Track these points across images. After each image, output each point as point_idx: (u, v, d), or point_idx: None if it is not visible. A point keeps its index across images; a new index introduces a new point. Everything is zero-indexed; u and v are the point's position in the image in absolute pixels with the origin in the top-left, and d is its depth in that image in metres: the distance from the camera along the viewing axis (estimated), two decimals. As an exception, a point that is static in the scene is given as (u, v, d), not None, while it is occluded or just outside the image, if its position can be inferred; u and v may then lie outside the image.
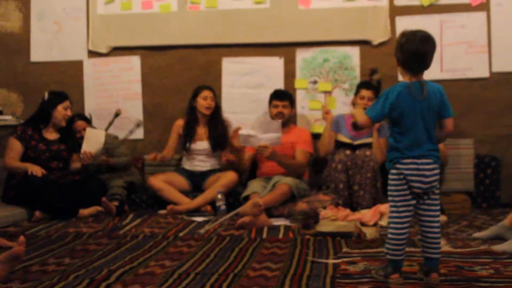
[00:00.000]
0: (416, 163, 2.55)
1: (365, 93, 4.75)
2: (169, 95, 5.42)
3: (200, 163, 5.05)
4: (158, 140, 5.43)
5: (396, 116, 2.58)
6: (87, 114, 5.28)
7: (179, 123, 5.13)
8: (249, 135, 4.49)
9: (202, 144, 5.02)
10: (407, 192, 2.57)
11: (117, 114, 5.19)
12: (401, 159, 2.57)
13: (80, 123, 5.06)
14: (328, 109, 4.97)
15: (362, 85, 4.84)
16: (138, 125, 5.13)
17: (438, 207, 2.62)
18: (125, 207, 4.76)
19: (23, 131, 4.64)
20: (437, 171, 2.59)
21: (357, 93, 4.84)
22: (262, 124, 4.57)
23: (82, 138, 4.88)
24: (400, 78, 4.97)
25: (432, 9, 5.12)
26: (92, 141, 4.65)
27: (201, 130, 5.06)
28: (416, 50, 2.57)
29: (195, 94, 5.04)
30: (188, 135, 5.04)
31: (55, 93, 4.79)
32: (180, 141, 5.12)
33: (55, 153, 4.69)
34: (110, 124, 5.14)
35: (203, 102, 5.00)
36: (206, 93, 5.02)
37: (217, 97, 5.12)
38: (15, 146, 4.61)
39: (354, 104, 4.89)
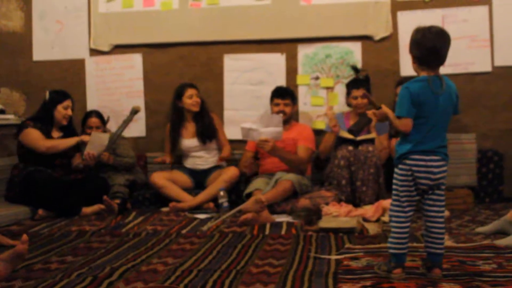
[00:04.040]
0: (425, 160, 2.54)
1: (356, 92, 4.77)
2: (171, 93, 5.38)
3: (199, 160, 5.06)
4: (160, 137, 5.43)
5: (416, 107, 2.56)
6: (105, 116, 5.15)
7: (169, 127, 5.17)
8: (250, 128, 4.49)
9: (192, 142, 5.04)
10: (413, 188, 2.58)
11: (135, 111, 4.99)
12: (410, 155, 2.56)
13: (93, 120, 5.03)
14: (335, 120, 4.77)
15: (351, 86, 4.85)
16: (135, 112, 5.01)
17: (443, 203, 2.62)
18: (127, 205, 4.78)
19: (35, 124, 4.64)
20: (444, 168, 2.59)
21: (348, 94, 4.86)
22: (264, 118, 4.56)
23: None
24: (402, 73, 5.02)
25: (433, 4, 5.10)
26: (96, 144, 4.66)
27: (190, 128, 5.08)
28: (433, 46, 2.57)
29: (180, 94, 5.05)
30: (176, 136, 5.07)
31: (56, 93, 4.80)
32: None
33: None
34: (127, 122, 4.93)
35: (190, 100, 5.02)
36: (190, 91, 5.03)
37: (200, 92, 5.12)
38: (37, 133, 4.59)
39: (349, 104, 4.91)
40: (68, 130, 4.83)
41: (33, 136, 4.58)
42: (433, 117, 2.56)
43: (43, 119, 4.71)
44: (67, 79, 5.54)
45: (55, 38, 5.59)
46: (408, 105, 2.55)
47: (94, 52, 5.55)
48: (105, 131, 5.13)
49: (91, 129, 5.00)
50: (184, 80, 5.31)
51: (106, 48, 5.53)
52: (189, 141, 5.05)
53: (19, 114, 5.51)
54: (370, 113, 4.52)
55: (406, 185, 2.58)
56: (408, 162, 2.57)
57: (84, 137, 4.66)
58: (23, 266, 2.89)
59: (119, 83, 5.54)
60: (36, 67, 5.61)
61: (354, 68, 4.98)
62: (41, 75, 5.59)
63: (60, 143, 4.63)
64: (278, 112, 4.84)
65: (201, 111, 5.07)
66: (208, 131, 5.03)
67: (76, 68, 5.57)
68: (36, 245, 3.42)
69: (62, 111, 4.72)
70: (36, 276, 2.71)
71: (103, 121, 5.12)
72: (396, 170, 2.63)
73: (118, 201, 4.61)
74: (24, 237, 2.73)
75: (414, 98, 2.54)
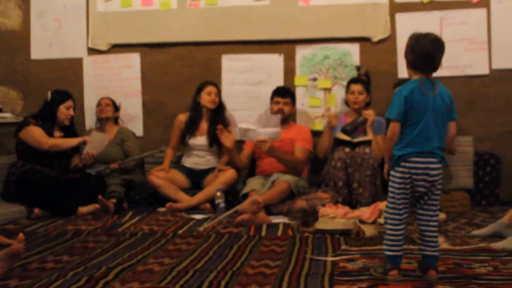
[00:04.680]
0: (422, 162, 2.56)
1: (354, 87, 4.84)
2: (169, 92, 5.42)
3: (200, 159, 5.05)
4: (157, 137, 5.43)
5: (406, 108, 2.59)
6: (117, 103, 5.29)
7: (181, 118, 5.14)
8: (248, 129, 4.49)
9: (201, 140, 5.03)
10: (409, 191, 2.59)
11: (160, 151, 5.04)
12: (408, 157, 2.57)
13: (105, 100, 5.18)
14: (335, 113, 4.89)
15: (350, 81, 4.93)
16: (160, 151, 5.05)
17: (438, 207, 2.63)
18: (124, 204, 4.77)
19: (36, 122, 4.63)
20: (440, 170, 2.60)
21: (347, 90, 4.91)
22: (261, 119, 4.56)
23: (101, 111, 5.09)
24: (400, 75, 5.02)
25: (432, 6, 5.11)
26: (96, 144, 4.66)
27: (203, 126, 5.07)
28: (427, 52, 2.60)
29: (200, 89, 5.05)
30: (190, 130, 5.05)
31: (58, 93, 4.79)
32: (181, 136, 5.13)
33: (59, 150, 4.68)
34: (147, 156, 5.05)
35: (207, 97, 5.01)
36: (210, 88, 5.03)
37: (221, 93, 5.12)
38: (40, 130, 4.59)
39: (346, 102, 4.93)
40: (69, 131, 4.83)
41: (36, 134, 4.57)
42: (426, 118, 2.58)
43: (45, 118, 4.70)
44: (65, 78, 5.52)
45: (53, 36, 5.57)
46: (398, 108, 2.60)
47: (92, 51, 5.54)
48: (116, 117, 5.23)
49: (100, 106, 5.13)
50: (182, 80, 5.31)
51: (104, 47, 5.52)
52: (199, 139, 5.04)
53: (16, 112, 5.50)
54: (366, 113, 4.53)
55: (403, 188, 2.59)
56: (406, 164, 2.58)
57: (87, 138, 4.66)
58: (19, 265, 2.89)
59: (116, 82, 5.53)
60: (34, 66, 5.60)
61: (357, 67, 5.02)
62: (39, 73, 5.58)
63: (63, 142, 4.63)
64: (277, 111, 4.84)
65: (218, 112, 5.06)
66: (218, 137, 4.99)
67: (74, 67, 5.56)
68: (32, 244, 3.41)
69: (65, 111, 4.72)
70: (32, 275, 2.71)
71: (115, 106, 5.22)
72: (392, 173, 2.64)
73: (114, 200, 4.61)
74: (20, 236, 2.73)
75: (405, 101, 2.57)
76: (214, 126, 4.96)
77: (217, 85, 5.10)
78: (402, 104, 2.58)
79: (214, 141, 4.98)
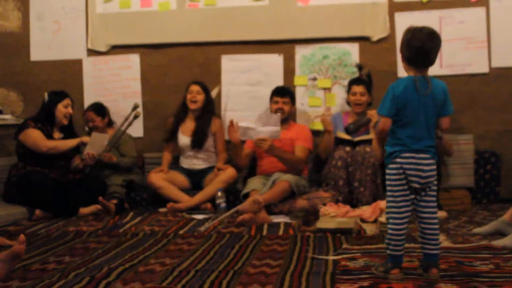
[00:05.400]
0: (415, 158, 2.56)
1: (356, 88, 4.81)
2: (168, 93, 5.42)
3: (195, 160, 5.05)
4: (158, 138, 5.42)
5: (399, 108, 2.59)
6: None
7: (171, 120, 5.16)
8: (248, 127, 4.50)
9: (184, 139, 5.04)
10: (406, 187, 2.58)
11: (135, 107, 4.93)
12: (401, 153, 2.57)
13: (88, 113, 5.14)
14: (326, 115, 4.89)
15: (352, 82, 4.91)
16: (135, 108, 4.95)
17: (436, 203, 2.63)
18: (125, 205, 4.77)
19: (36, 124, 4.64)
20: (433, 166, 2.60)
21: (349, 90, 4.89)
22: (262, 117, 4.57)
23: (90, 129, 5.06)
24: (400, 74, 5.02)
25: (431, 5, 5.11)
26: (96, 144, 4.66)
27: (189, 125, 5.07)
28: (422, 46, 2.58)
29: (186, 90, 5.07)
30: (174, 131, 5.07)
31: (55, 93, 4.80)
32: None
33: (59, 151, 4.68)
34: (127, 121, 4.89)
35: (188, 96, 5.02)
36: (191, 87, 5.04)
37: (208, 92, 5.10)
38: (38, 133, 4.59)
39: (348, 103, 4.92)
40: (68, 132, 4.83)
41: (34, 136, 4.57)
42: (418, 119, 2.57)
43: (44, 119, 4.70)
44: (64, 80, 5.53)
45: (52, 38, 5.58)
46: (389, 105, 2.59)
47: (92, 52, 5.55)
48: (110, 122, 5.23)
49: (87, 122, 5.13)
50: (181, 81, 5.31)
51: (103, 49, 5.53)
52: (183, 138, 5.06)
53: (17, 114, 5.51)
54: (370, 113, 4.53)
55: (400, 184, 2.58)
56: (398, 160, 2.58)
57: (85, 139, 4.67)
58: (21, 266, 2.89)
59: (116, 83, 5.54)
60: (33, 67, 5.61)
61: (358, 66, 5.00)
62: (38, 75, 5.59)
63: (61, 144, 4.63)
64: (276, 110, 4.84)
65: (203, 112, 5.05)
66: (199, 135, 4.99)
67: (73, 68, 5.57)
68: (34, 245, 3.41)
69: (63, 109, 4.72)
70: (33, 277, 2.71)
71: (102, 113, 5.15)
72: (387, 170, 2.64)
73: (115, 201, 4.61)
74: (22, 237, 2.72)
75: (397, 99, 2.57)
76: (200, 127, 4.97)
77: (201, 83, 5.07)
78: (395, 102, 2.57)
79: (195, 143, 4.98)
